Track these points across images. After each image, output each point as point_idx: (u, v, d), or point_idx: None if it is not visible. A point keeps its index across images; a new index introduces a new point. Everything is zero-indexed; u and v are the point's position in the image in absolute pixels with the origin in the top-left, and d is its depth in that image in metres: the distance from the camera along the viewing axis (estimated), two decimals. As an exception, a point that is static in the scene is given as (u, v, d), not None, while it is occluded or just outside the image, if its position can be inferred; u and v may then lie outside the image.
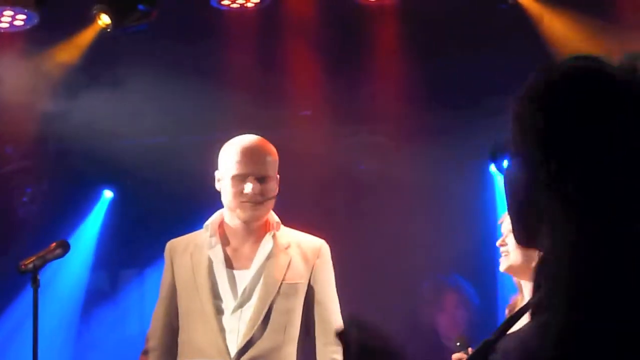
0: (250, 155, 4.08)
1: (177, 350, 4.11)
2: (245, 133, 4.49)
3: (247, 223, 4.09)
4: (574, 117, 1.56)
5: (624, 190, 1.52)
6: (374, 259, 7.78)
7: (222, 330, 3.98)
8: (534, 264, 1.60)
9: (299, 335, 4.09)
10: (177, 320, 4.11)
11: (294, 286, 4.06)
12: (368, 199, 7.87)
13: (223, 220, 4.17)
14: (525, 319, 2.70)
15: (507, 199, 1.69)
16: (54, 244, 4.22)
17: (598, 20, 6.31)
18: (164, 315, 4.14)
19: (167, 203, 7.26)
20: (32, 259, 4.10)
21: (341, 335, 1.72)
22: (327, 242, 4.22)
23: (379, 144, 8.04)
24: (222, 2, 6.95)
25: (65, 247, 4.23)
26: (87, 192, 8.20)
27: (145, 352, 4.16)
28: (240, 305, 4.01)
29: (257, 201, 4.02)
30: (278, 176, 4.17)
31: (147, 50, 6.98)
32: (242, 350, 3.96)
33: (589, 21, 6.43)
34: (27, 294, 4.13)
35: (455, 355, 4.37)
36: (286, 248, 4.12)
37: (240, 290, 4.03)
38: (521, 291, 3.88)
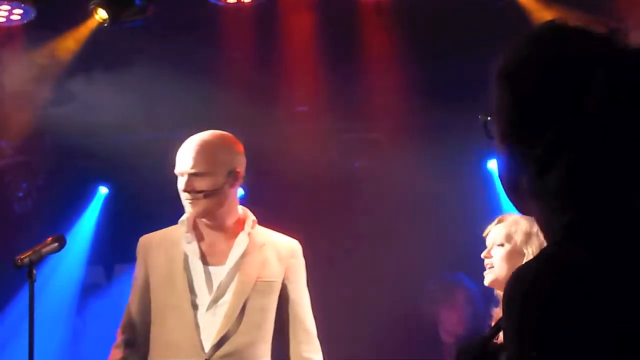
0: (182, 153, 4.11)
1: (148, 344, 4.12)
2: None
3: (201, 218, 4.10)
4: (541, 88, 1.52)
5: (610, 177, 1.50)
6: (368, 256, 7.79)
7: (197, 325, 4.00)
8: None
9: (273, 333, 4.11)
10: (150, 315, 4.11)
11: (268, 284, 4.08)
12: (363, 196, 7.88)
13: None
14: None
15: (500, 179, 1.66)
16: (50, 239, 4.22)
17: (594, 17, 6.32)
18: (136, 309, 4.15)
19: (162, 199, 7.27)
20: (28, 254, 4.09)
21: None
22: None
23: (374, 141, 8.04)
24: (219, -3, 6.96)
25: (61, 242, 4.23)
26: (82, 188, 8.21)
27: (117, 346, 4.15)
28: (215, 301, 4.02)
29: (193, 197, 4.03)
30: (237, 170, 4.12)
31: (143, 46, 6.98)
32: (217, 346, 3.97)
33: (584, 18, 6.43)
34: (23, 289, 4.12)
35: None
36: (261, 246, 4.13)
37: (215, 286, 4.04)
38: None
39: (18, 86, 7.06)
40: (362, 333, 7.47)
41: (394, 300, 7.45)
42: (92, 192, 8.29)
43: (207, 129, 7.42)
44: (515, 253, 3.81)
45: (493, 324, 3.69)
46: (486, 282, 3.87)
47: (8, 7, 6.67)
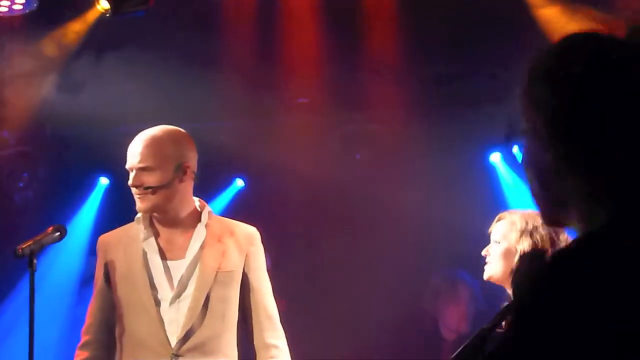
0: (130, 148, 4.10)
1: (113, 344, 4.12)
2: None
3: (153, 214, 4.10)
4: (589, 92, 1.53)
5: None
6: (369, 250, 7.79)
7: (161, 321, 3.99)
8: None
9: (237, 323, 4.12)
10: (112, 315, 4.11)
11: (229, 274, 4.08)
12: (363, 188, 7.88)
13: None
14: None
15: (528, 182, 1.67)
16: (50, 228, 4.22)
17: (598, 10, 6.32)
18: (99, 309, 4.14)
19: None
20: (28, 243, 4.09)
21: None
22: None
23: (376, 133, 8.04)
24: (220, -12, 6.96)
25: (62, 232, 4.23)
26: (83, 178, 8.21)
27: (82, 347, 4.15)
28: (178, 295, 4.02)
29: (142, 192, 4.03)
30: (186, 165, 4.10)
31: (145, 37, 6.98)
32: (183, 340, 3.97)
33: (588, 12, 6.43)
34: (24, 279, 4.13)
35: None
36: (219, 237, 4.12)
37: (176, 280, 4.04)
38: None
39: (19, 76, 7.06)
40: (361, 329, 7.47)
41: (395, 295, 7.45)
42: (92, 183, 8.29)
43: (208, 121, 7.46)
44: (509, 251, 3.86)
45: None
46: (485, 277, 3.92)
47: (10, -3, 6.68)
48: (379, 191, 7.73)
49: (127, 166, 4.08)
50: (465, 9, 6.80)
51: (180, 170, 4.07)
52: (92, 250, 8.03)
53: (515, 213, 3.94)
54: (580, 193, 1.55)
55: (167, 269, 4.07)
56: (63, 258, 7.68)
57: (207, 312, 4.02)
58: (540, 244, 3.78)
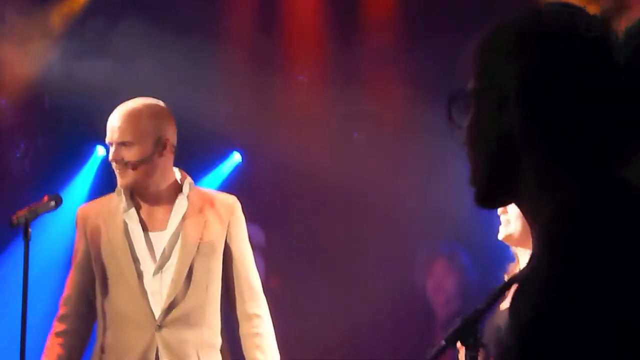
0: (110, 122, 4.09)
1: (91, 316, 4.11)
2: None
3: (132, 189, 4.09)
4: (551, 65, 1.51)
5: (600, 137, 1.48)
6: (364, 226, 7.79)
7: (144, 292, 3.99)
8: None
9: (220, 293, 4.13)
10: (92, 287, 4.09)
11: (211, 245, 4.08)
12: (361, 167, 7.87)
13: None
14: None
15: (470, 150, 1.61)
16: (46, 197, 4.22)
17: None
18: (77, 282, 4.13)
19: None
20: (24, 212, 4.10)
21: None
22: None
23: (374, 112, 8.03)
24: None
25: (58, 201, 4.23)
26: (80, 149, 8.19)
27: (59, 319, 4.14)
28: (161, 267, 4.02)
29: (121, 167, 4.02)
30: (166, 138, 4.08)
31: (144, 9, 6.96)
32: (167, 311, 3.98)
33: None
34: (18, 247, 4.13)
35: None
36: (200, 208, 4.11)
37: (158, 252, 4.03)
38: (517, 261, 3.90)
39: (18, 46, 7.03)
40: (355, 305, 7.48)
41: (391, 273, 7.46)
42: (89, 153, 8.28)
43: (207, 94, 7.44)
44: None
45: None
46: (500, 237, 3.85)
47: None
48: (376, 170, 7.72)
49: (107, 141, 4.07)
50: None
51: (160, 144, 4.05)
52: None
53: None
54: (533, 170, 1.52)
55: (148, 241, 4.06)
56: (58, 227, 7.67)
57: (191, 283, 4.02)
58: None
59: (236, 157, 8.44)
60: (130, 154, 4.00)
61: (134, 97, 4.17)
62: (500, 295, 2.75)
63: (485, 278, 7.25)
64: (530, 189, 1.54)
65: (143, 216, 4.10)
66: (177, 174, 4.17)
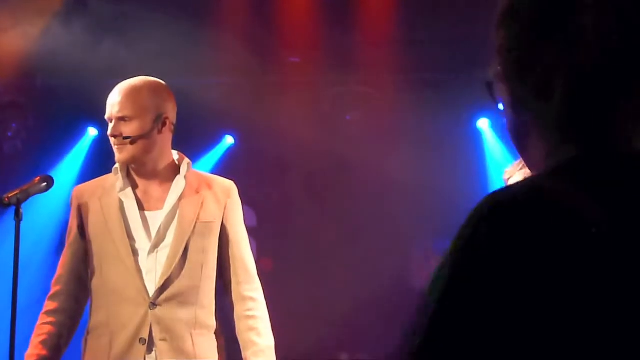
0: (110, 98, 4.07)
1: (83, 295, 4.12)
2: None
3: (130, 166, 4.09)
4: (542, 23, 1.50)
5: (611, 108, 1.47)
6: (355, 209, 7.81)
7: (139, 270, 3.99)
8: None
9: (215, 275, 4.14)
10: (85, 266, 4.10)
11: (208, 225, 4.08)
12: (352, 149, 7.89)
13: None
14: None
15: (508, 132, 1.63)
16: (37, 178, 4.21)
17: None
18: (71, 260, 4.13)
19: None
20: (15, 192, 4.09)
21: None
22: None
23: (366, 94, 8.04)
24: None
25: (49, 182, 4.22)
26: (71, 129, 8.20)
27: (51, 297, 4.14)
28: (156, 246, 4.02)
29: (120, 142, 4.02)
30: (166, 116, 4.07)
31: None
32: (161, 289, 3.98)
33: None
34: (9, 227, 4.13)
35: None
36: (197, 189, 4.12)
37: (154, 231, 4.03)
38: None
39: (9, 25, 7.02)
40: (345, 289, 7.51)
41: (381, 255, 7.48)
42: (81, 134, 8.29)
43: (199, 77, 7.44)
44: None
45: None
46: None
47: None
48: (368, 152, 7.74)
49: (106, 116, 4.06)
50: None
51: (160, 121, 4.06)
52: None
53: None
54: (534, 132, 1.53)
55: (144, 220, 4.06)
56: (47, 207, 7.68)
57: (186, 263, 4.02)
58: None
59: (228, 140, 8.45)
60: (129, 129, 4.00)
61: (126, 79, 4.17)
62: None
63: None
64: (536, 152, 1.55)
65: (139, 195, 4.10)
66: (175, 155, 4.18)
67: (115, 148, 4.04)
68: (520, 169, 3.93)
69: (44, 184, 4.19)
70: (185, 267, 4.02)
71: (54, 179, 4.28)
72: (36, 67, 7.53)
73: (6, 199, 4.05)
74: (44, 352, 4.05)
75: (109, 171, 4.23)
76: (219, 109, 7.73)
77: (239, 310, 4.14)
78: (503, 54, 1.56)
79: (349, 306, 7.41)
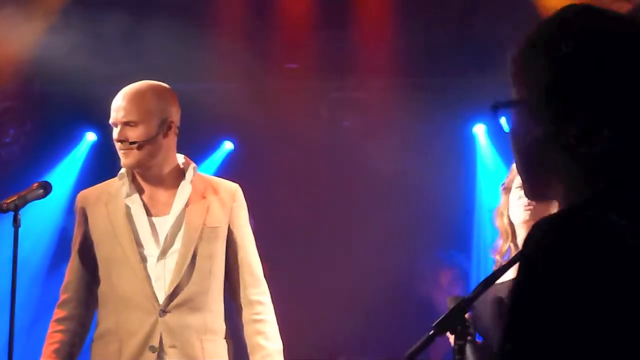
0: (115, 103, 4.05)
1: (92, 302, 4.11)
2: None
3: (136, 170, 4.08)
4: (583, 64, 1.51)
5: (634, 140, 1.50)
6: (352, 214, 7.81)
7: (148, 277, 3.98)
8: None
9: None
10: (92, 272, 4.08)
11: (214, 230, 4.07)
12: (350, 155, 7.89)
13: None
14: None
15: (514, 154, 1.64)
16: (35, 184, 4.20)
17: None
18: (78, 267, 4.11)
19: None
20: (13, 199, 4.08)
21: None
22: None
23: (364, 100, 8.04)
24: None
25: (47, 188, 4.21)
26: (70, 135, 8.19)
27: (60, 305, 4.13)
28: (164, 252, 4.00)
29: (126, 147, 4.00)
30: (171, 120, 4.07)
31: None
32: (171, 296, 3.97)
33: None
34: (7, 233, 4.12)
35: None
36: (203, 193, 4.11)
37: (162, 237, 4.02)
38: (506, 239, 3.95)
39: (8, 33, 7.01)
40: (342, 294, 7.50)
41: (378, 259, 7.48)
42: (79, 139, 8.28)
43: (198, 81, 7.43)
44: None
45: None
46: (527, 217, 3.92)
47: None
48: (365, 158, 7.74)
49: (111, 121, 4.05)
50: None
51: (165, 125, 4.05)
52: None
53: None
54: (566, 168, 1.54)
55: (152, 226, 4.05)
56: (46, 213, 7.67)
57: (194, 269, 4.02)
58: None
59: (227, 146, 8.45)
60: (135, 134, 3.99)
61: (124, 84, 4.16)
62: (490, 284, 2.76)
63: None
64: (562, 186, 1.57)
65: (145, 200, 4.08)
66: (180, 159, 4.17)
67: (121, 153, 4.02)
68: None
69: (42, 190, 4.18)
70: (194, 273, 4.02)
71: (52, 184, 4.28)
72: (34, 72, 7.52)
73: (4, 205, 4.04)
74: None
75: (107, 176, 4.22)
76: (218, 114, 7.73)
77: (246, 314, 4.13)
78: (542, 85, 1.55)
79: (347, 310, 7.40)
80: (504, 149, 7.43)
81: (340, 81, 7.98)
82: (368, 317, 7.50)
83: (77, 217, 4.16)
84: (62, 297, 4.14)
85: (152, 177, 4.09)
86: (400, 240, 7.55)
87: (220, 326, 4.10)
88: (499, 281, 2.89)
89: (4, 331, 4.10)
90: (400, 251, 7.53)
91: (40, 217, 7.46)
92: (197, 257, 4.03)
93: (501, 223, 4.27)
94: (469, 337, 2.70)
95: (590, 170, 1.51)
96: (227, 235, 4.12)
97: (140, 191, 4.10)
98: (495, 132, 7.77)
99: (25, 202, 4.11)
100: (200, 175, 4.21)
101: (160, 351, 3.96)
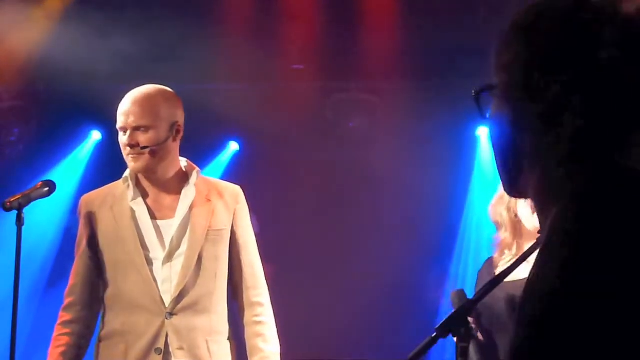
0: (126, 107, 4.03)
1: (97, 305, 4.11)
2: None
3: (143, 174, 4.08)
4: (562, 50, 1.51)
5: (616, 127, 1.49)
6: (358, 215, 7.80)
7: (154, 280, 3.99)
8: None
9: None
10: (97, 275, 4.09)
11: (219, 233, 4.09)
12: (355, 156, 7.88)
13: None
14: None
15: (493, 146, 1.64)
16: (40, 183, 4.21)
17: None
18: (83, 270, 4.11)
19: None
20: (17, 197, 4.09)
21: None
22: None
23: (369, 101, 8.03)
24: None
25: (51, 187, 4.21)
26: (74, 134, 8.20)
27: (65, 308, 4.13)
28: (170, 255, 4.01)
29: (137, 152, 3.99)
30: (179, 124, 4.07)
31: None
32: (177, 299, 3.98)
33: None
34: (11, 231, 4.12)
35: None
36: (207, 196, 4.12)
37: (167, 240, 4.03)
38: (513, 232, 3.97)
39: (13, 33, 7.02)
40: (350, 295, 7.50)
41: (384, 261, 7.48)
42: (84, 138, 8.29)
43: (204, 81, 7.43)
44: None
45: None
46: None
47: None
48: (370, 159, 7.74)
49: (119, 126, 4.04)
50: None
51: (174, 129, 4.07)
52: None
53: None
54: (538, 157, 1.53)
55: (157, 229, 4.06)
56: (51, 212, 7.67)
57: (200, 271, 4.03)
58: None
59: (233, 147, 8.45)
60: (146, 139, 3.99)
61: (130, 85, 4.16)
62: (492, 288, 2.76)
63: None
64: (539, 181, 1.55)
65: (150, 204, 4.09)
66: (182, 162, 4.17)
67: (130, 157, 4.02)
68: None
69: (46, 188, 4.19)
70: (200, 275, 4.03)
71: (57, 183, 4.28)
72: (39, 71, 7.53)
73: (8, 204, 4.05)
74: None
75: (112, 175, 4.22)
76: (224, 115, 7.73)
77: (247, 315, 4.15)
78: (513, 71, 1.55)
79: (351, 312, 7.40)
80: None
81: (346, 82, 7.98)
82: (375, 320, 7.49)
83: (82, 220, 4.16)
84: (67, 300, 4.14)
85: (157, 180, 4.10)
86: (404, 241, 7.54)
87: (225, 327, 4.12)
88: (508, 279, 2.89)
89: (6, 330, 4.10)
90: (406, 252, 7.52)
91: (45, 216, 7.47)
92: (203, 260, 4.04)
93: (508, 217, 4.27)
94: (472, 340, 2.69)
95: (558, 153, 1.50)
96: (230, 237, 4.14)
97: (145, 195, 4.11)
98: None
99: (29, 200, 4.12)
100: (204, 178, 4.23)
101: (165, 353, 3.97)
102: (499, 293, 3.60)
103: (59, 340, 4.08)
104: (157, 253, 4.03)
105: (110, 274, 4.06)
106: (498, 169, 1.63)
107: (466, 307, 2.70)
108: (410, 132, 7.54)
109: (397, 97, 7.75)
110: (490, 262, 4.46)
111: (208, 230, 4.07)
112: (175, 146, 4.10)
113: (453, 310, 2.71)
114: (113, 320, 4.05)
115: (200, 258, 4.04)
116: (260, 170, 7.97)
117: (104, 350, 4.07)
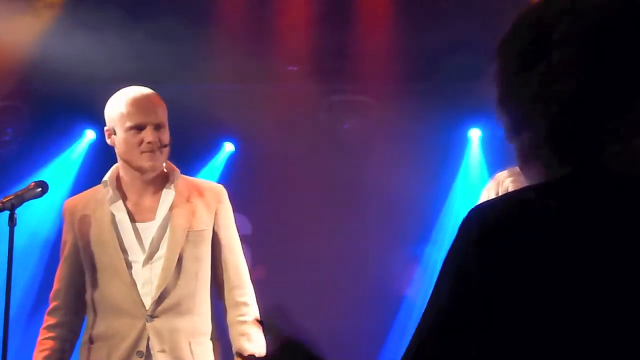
0: (145, 104, 4.03)
1: (82, 309, 4.12)
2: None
3: (147, 173, 4.07)
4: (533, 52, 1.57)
5: (581, 130, 1.52)
6: (351, 217, 7.81)
7: (134, 283, 4.00)
8: None
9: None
10: (81, 279, 4.10)
11: (200, 233, 4.08)
12: (350, 158, 7.88)
13: (119, 174, 4.15)
14: None
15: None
16: (32, 184, 4.20)
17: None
18: (67, 274, 4.12)
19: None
20: (10, 197, 4.08)
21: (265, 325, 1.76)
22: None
23: (364, 103, 8.04)
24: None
25: (44, 187, 4.21)
26: (68, 134, 8.18)
27: (50, 313, 4.14)
28: (150, 257, 4.02)
29: (156, 149, 4.00)
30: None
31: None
32: (158, 301, 3.98)
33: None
34: (3, 231, 4.12)
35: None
36: (187, 197, 4.12)
37: (147, 242, 4.04)
38: None
39: (7, 32, 7.01)
40: (342, 298, 7.50)
41: (378, 265, 7.49)
42: (78, 137, 8.27)
43: (199, 82, 7.42)
44: None
45: None
46: None
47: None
48: (364, 161, 7.74)
49: (138, 122, 3.99)
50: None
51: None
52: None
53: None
54: (532, 154, 1.59)
55: (137, 232, 4.07)
56: (43, 212, 7.65)
57: (181, 272, 4.03)
58: None
59: (228, 147, 8.44)
60: (165, 136, 4.03)
61: (124, 83, 4.16)
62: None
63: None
64: (535, 166, 1.61)
65: (130, 207, 4.09)
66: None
67: (147, 155, 4.00)
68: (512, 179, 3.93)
69: (39, 189, 4.18)
70: (181, 277, 4.03)
71: (50, 183, 4.27)
72: (32, 71, 7.51)
73: (0, 204, 4.04)
74: None
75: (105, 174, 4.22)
76: (219, 116, 7.73)
77: (231, 315, 4.15)
78: (498, 80, 1.64)
79: (343, 314, 7.40)
80: (492, 155, 7.47)
81: (341, 84, 7.98)
82: (365, 320, 7.50)
83: (65, 225, 4.18)
84: (52, 304, 4.15)
85: (143, 182, 4.09)
86: (399, 242, 7.55)
87: (208, 328, 4.13)
88: None
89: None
90: (398, 253, 7.54)
91: (37, 216, 7.45)
92: (184, 261, 4.04)
93: None
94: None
95: (542, 150, 1.55)
96: (213, 237, 4.13)
97: (124, 197, 4.11)
98: (489, 136, 7.77)
99: (22, 201, 4.11)
100: (185, 179, 4.21)
101: (147, 356, 3.97)
102: None
103: (43, 345, 4.09)
104: (137, 256, 4.04)
105: (93, 278, 4.07)
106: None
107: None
108: (405, 134, 7.54)
109: (392, 99, 7.75)
110: None
111: (188, 231, 4.07)
112: None
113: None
114: (97, 324, 4.06)
115: (180, 259, 4.03)
116: (255, 171, 7.97)
117: (88, 354, 4.07)
